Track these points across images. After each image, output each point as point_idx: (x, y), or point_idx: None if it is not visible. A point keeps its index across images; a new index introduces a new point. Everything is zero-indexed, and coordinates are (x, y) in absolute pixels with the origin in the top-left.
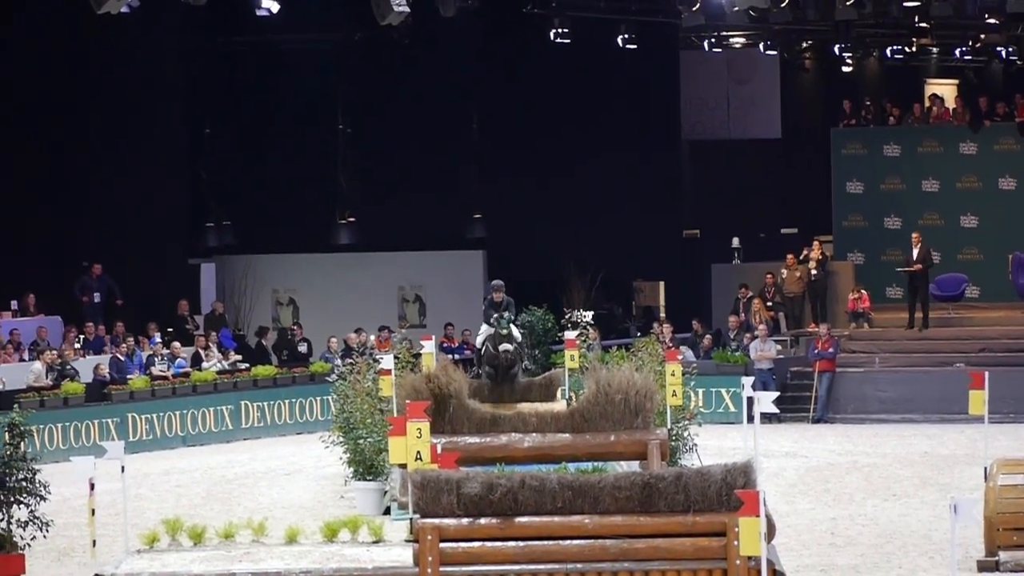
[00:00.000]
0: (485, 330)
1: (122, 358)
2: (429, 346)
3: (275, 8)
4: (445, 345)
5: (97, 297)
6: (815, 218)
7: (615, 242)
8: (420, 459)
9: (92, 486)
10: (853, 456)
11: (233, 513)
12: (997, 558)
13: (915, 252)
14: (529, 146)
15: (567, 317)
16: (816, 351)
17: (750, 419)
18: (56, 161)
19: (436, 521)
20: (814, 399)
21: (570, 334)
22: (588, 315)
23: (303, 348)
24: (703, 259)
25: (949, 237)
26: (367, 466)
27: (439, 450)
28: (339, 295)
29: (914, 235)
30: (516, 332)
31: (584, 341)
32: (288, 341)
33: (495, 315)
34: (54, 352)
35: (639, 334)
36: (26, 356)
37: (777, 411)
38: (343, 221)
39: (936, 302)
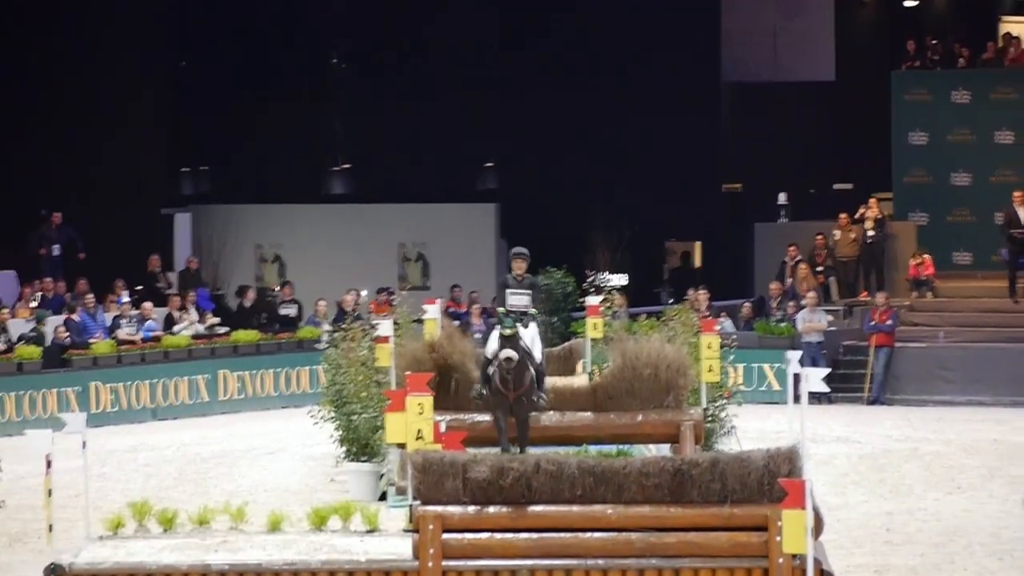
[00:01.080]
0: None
1: (82, 319)
2: (433, 311)
3: None
4: (451, 310)
5: (57, 250)
6: (872, 173)
7: (646, 197)
8: (421, 438)
9: (49, 463)
10: (913, 443)
11: (209, 496)
12: None
13: (1021, 212)
14: (550, 88)
15: (590, 280)
16: (872, 323)
17: (796, 399)
18: (14, 98)
19: (439, 509)
20: (869, 377)
21: (593, 300)
22: (614, 279)
23: (291, 311)
24: (745, 217)
25: None
26: (361, 445)
27: (443, 428)
28: (331, 252)
29: (1016, 193)
30: (528, 333)
31: (609, 308)
32: (269, 303)
33: (505, 312)
34: (5, 312)
35: (672, 301)
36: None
37: (827, 390)
38: (337, 169)
39: None
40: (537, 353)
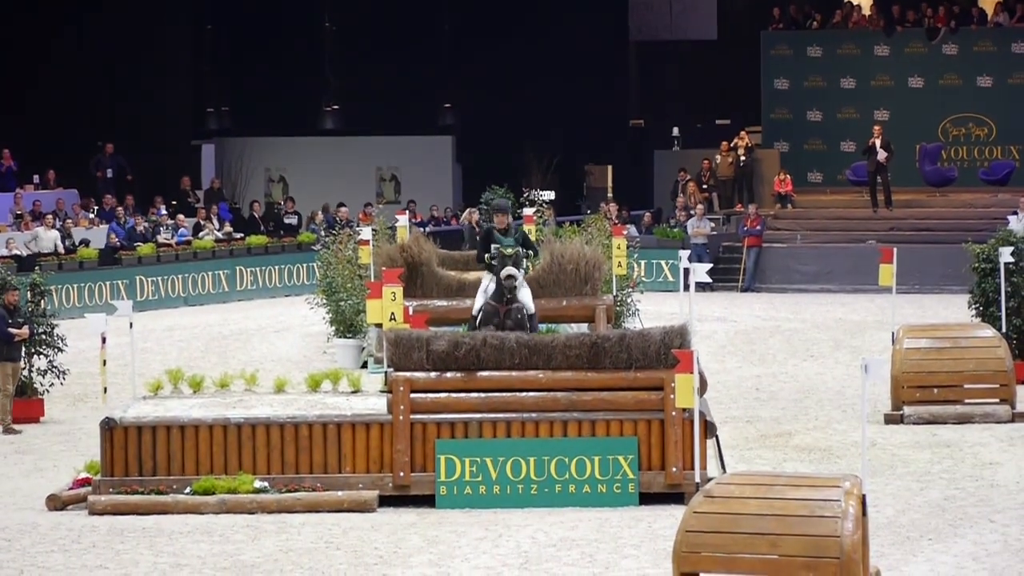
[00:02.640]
0: (486, 282)
1: (130, 227)
2: (403, 220)
3: None
4: (417, 220)
5: (110, 173)
6: (746, 111)
7: (569, 131)
8: (394, 319)
9: (104, 340)
10: (776, 321)
11: (228, 365)
12: (902, 412)
13: (878, 142)
14: (495, 43)
15: (526, 196)
16: (745, 228)
17: (686, 288)
18: (82, 51)
19: (407, 374)
20: (743, 271)
21: (528, 211)
22: (545, 194)
23: (293, 221)
24: (647, 146)
25: (864, 129)
26: (347, 325)
27: (411, 312)
28: (324, 174)
29: (876, 127)
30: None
31: (541, 218)
32: (275, 214)
33: (496, 256)
34: (69, 221)
35: (589, 212)
36: (49, 225)
37: (710, 281)
38: (328, 109)
39: (855, 186)
40: (528, 301)
